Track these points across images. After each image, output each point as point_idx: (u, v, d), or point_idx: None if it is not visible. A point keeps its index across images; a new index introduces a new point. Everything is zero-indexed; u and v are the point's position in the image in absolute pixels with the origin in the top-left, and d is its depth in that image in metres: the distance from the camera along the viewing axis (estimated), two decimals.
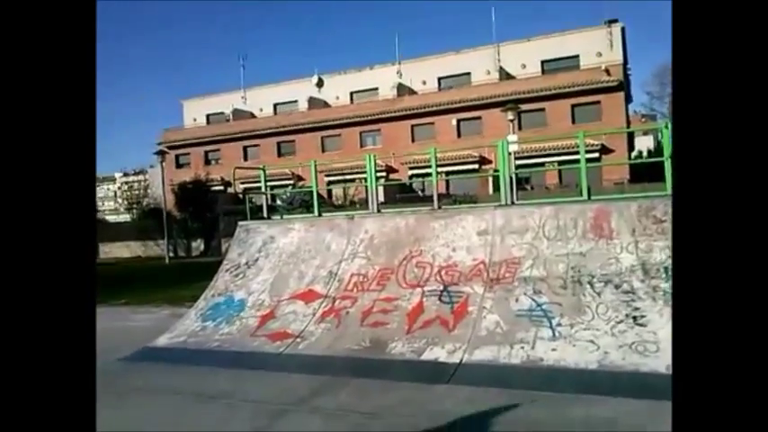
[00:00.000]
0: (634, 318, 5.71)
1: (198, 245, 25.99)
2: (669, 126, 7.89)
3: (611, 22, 33.56)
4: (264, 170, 10.95)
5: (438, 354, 6.10)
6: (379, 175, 27.73)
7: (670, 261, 6.13)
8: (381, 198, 22.90)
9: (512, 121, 20.52)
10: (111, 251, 30.62)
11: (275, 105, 43.47)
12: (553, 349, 5.67)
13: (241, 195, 18.29)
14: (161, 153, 25.87)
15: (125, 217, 41.98)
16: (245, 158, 39.18)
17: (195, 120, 45.90)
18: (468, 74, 37.00)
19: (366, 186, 9.74)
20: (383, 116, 35.86)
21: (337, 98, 40.97)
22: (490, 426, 4.42)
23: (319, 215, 9.71)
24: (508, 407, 4.75)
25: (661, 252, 6.28)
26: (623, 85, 31.75)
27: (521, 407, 4.74)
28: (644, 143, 43.89)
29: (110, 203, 78.47)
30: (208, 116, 45.73)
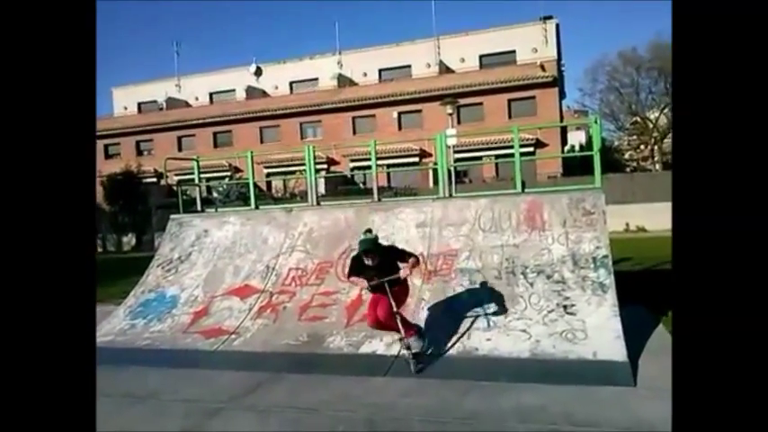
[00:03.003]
0: (564, 307, 5.93)
1: (129, 239, 24.85)
2: (598, 121, 8.21)
3: (547, 18, 34.62)
4: (198, 161, 10.57)
5: (376, 346, 6.10)
6: (319, 167, 27.49)
7: (598, 251, 6.41)
8: (322, 190, 22.69)
9: (450, 114, 20.80)
10: None
11: (211, 94, 42.11)
12: (488, 339, 5.80)
13: (175, 187, 17.57)
14: None
15: None
16: (180, 149, 37.75)
17: (126, 108, 43.78)
18: (409, 66, 37.21)
19: (306, 178, 9.58)
20: (324, 107, 35.47)
21: (276, 88, 40.17)
22: (426, 417, 4.46)
23: (256, 208, 9.47)
24: (442, 398, 4.82)
25: (590, 243, 6.55)
26: (557, 81, 32.88)
27: (455, 397, 4.82)
28: (576, 138, 45.77)
29: None
30: (140, 104, 43.73)
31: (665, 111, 38.45)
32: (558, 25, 34.96)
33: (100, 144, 37.21)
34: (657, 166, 38.12)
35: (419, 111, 33.44)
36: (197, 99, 41.96)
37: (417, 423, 4.35)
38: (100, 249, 23.28)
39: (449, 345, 5.87)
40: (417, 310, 6.52)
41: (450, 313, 6.32)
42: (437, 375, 5.31)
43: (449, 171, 8.79)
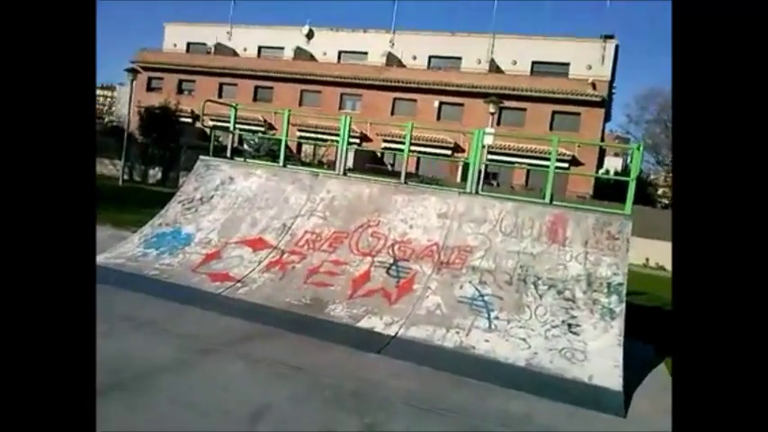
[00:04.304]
0: (569, 325, 5.87)
1: (155, 173, 25.16)
2: (641, 149, 8.04)
3: (608, 37, 33.83)
4: (236, 108, 10.61)
5: (375, 323, 6.13)
6: (352, 140, 27.40)
7: (615, 278, 6.31)
8: (350, 164, 22.69)
9: (492, 114, 20.55)
10: None
11: (260, 48, 42.13)
12: (486, 340, 5.78)
13: (208, 131, 17.68)
14: (132, 71, 24.60)
15: None
16: (220, 95, 37.95)
17: (175, 45, 44.05)
18: (460, 58, 36.74)
19: (337, 147, 9.58)
20: (367, 82, 35.31)
21: (325, 54, 40.02)
22: (410, 402, 4.47)
23: (284, 166, 9.50)
24: (430, 387, 4.83)
25: (608, 268, 6.44)
26: (605, 102, 32.27)
27: (443, 388, 4.83)
28: (612, 164, 44.98)
29: None
30: (189, 44, 43.95)
31: None
32: (617, 46, 34.17)
33: (144, 76, 37.55)
34: None
35: (461, 104, 33.12)
36: (245, 50, 42.04)
37: (401, 405, 4.37)
38: (126, 177, 23.63)
39: (446, 337, 5.86)
40: (422, 297, 6.52)
41: (454, 307, 6.30)
42: (429, 364, 5.31)
43: (480, 168, 8.71)
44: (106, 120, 39.99)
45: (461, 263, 6.95)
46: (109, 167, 24.53)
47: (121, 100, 38.41)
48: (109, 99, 59.22)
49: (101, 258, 7.59)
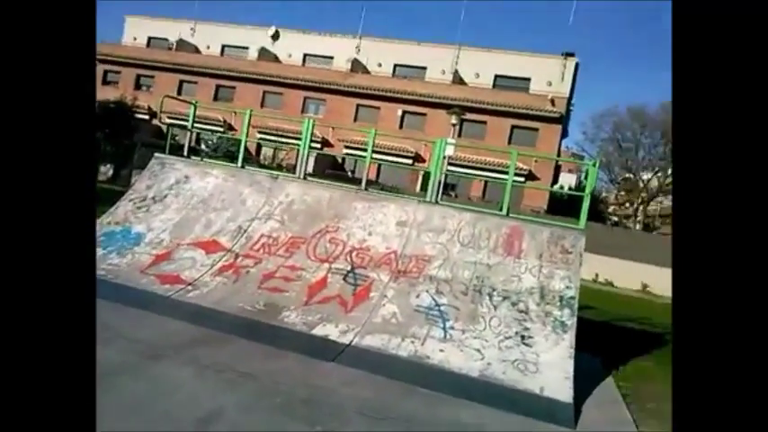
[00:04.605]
0: (522, 337, 5.94)
1: (107, 170, 24.27)
2: (597, 165, 8.27)
3: (569, 55, 34.81)
4: (196, 106, 10.36)
5: (330, 331, 6.04)
6: (313, 145, 27.24)
7: (567, 291, 6.44)
8: (311, 168, 22.50)
9: (454, 125, 20.80)
10: None
11: (224, 47, 41.34)
12: (441, 350, 5.79)
13: (165, 129, 17.20)
14: None
15: None
16: (180, 93, 36.93)
17: (135, 39, 42.76)
18: (425, 68, 37.06)
19: (298, 150, 9.46)
20: (332, 87, 35.17)
21: (290, 56, 39.65)
22: (362, 410, 4.42)
23: (242, 167, 9.31)
24: (383, 395, 4.79)
25: (561, 281, 6.58)
26: (563, 119, 33.16)
27: (396, 397, 4.79)
28: (567, 180, 46.29)
29: None
30: (150, 39, 42.74)
31: (658, 174, 39.05)
32: (577, 64, 35.20)
33: (100, 69, 36.29)
34: (638, 226, 38.72)
35: (424, 114, 33.38)
36: (208, 48, 41.21)
37: (353, 414, 4.31)
38: None
39: (401, 346, 5.84)
40: (378, 305, 6.48)
41: (411, 316, 6.29)
42: (383, 373, 5.27)
43: (440, 179, 8.77)
44: None
45: (419, 272, 6.95)
46: None
47: None
48: None
49: None
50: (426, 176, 26.49)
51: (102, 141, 24.21)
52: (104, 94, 31.00)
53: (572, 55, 34.90)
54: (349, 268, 7.11)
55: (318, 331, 6.04)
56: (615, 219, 43.33)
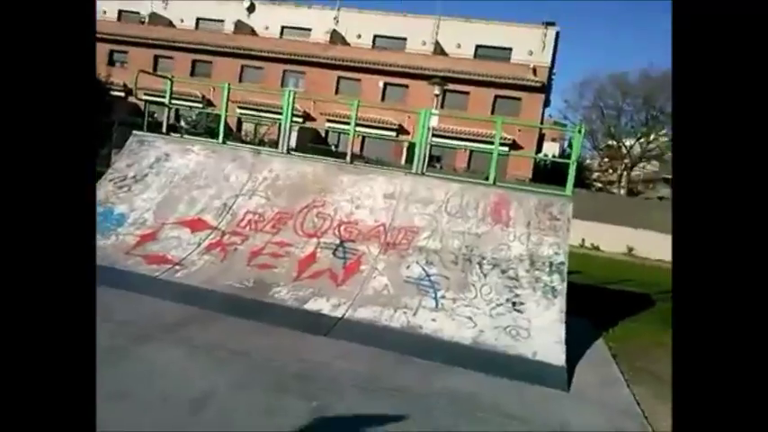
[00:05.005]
0: (513, 303, 5.98)
1: None
2: (582, 132, 8.24)
3: (549, 24, 34.53)
4: (172, 81, 10.07)
5: (322, 305, 6.01)
6: (295, 119, 26.82)
7: (556, 257, 6.47)
8: (293, 143, 22.19)
9: (437, 96, 20.59)
10: None
11: (198, 20, 40.22)
12: (433, 319, 5.80)
13: (142, 106, 16.79)
14: None
15: None
16: (155, 69, 35.98)
17: (105, 12, 41.35)
18: (405, 39, 36.51)
19: (280, 125, 9.28)
20: (311, 60, 34.53)
21: (267, 29, 38.73)
22: (357, 383, 4.42)
23: (223, 143, 9.11)
24: (377, 367, 4.79)
25: (549, 247, 6.60)
26: (545, 88, 33.07)
27: (389, 369, 4.80)
28: (550, 149, 46.39)
29: None
30: (120, 12, 41.38)
31: (641, 140, 39.32)
32: (558, 33, 34.96)
33: None
34: (622, 191, 39.13)
35: (406, 86, 33.05)
36: (182, 21, 40.06)
37: (348, 387, 4.31)
38: None
39: (394, 317, 5.83)
40: (369, 278, 6.45)
41: (402, 287, 6.28)
42: (376, 345, 5.27)
43: (425, 150, 8.68)
44: None
45: (408, 243, 6.92)
46: None
47: None
48: None
49: None
50: (411, 148, 26.38)
51: None
52: None
53: (552, 24, 34.63)
54: (338, 242, 7.05)
55: (310, 306, 6.01)
56: (599, 185, 43.68)
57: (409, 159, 23.53)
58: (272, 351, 4.82)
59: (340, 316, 5.84)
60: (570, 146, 41.94)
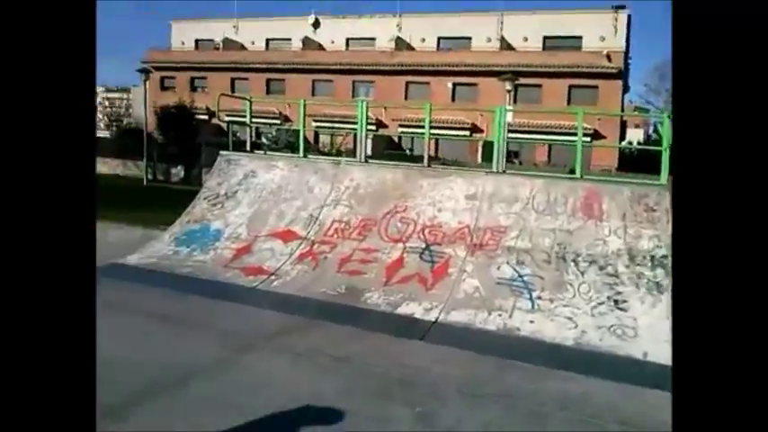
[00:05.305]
0: (615, 301, 5.69)
1: (178, 171, 25.20)
2: (670, 116, 7.75)
3: (619, 7, 32.92)
4: (251, 101, 10.51)
5: (414, 309, 6.02)
6: (368, 127, 27.22)
7: (657, 250, 6.10)
8: (369, 151, 22.49)
9: (509, 91, 20.15)
10: None
11: (268, 40, 41.85)
12: (531, 321, 5.64)
13: (225, 127, 17.64)
14: (145, 71, 24.62)
15: (105, 134, 40.36)
16: (233, 90, 37.79)
17: (183, 43, 44.00)
18: (469, 38, 36.09)
19: (355, 135, 9.43)
20: (379, 68, 34.93)
21: (332, 42, 39.63)
22: (460, 388, 4.36)
23: (305, 156, 9.39)
24: (479, 371, 4.71)
25: (649, 240, 6.23)
26: (622, 74, 31.50)
27: (492, 373, 4.70)
28: (634, 135, 44.10)
29: None
30: (197, 41, 43.85)
31: None
32: (629, 16, 33.25)
33: (156, 75, 37.62)
34: None
35: (475, 84, 32.61)
36: (253, 43, 41.82)
37: (451, 392, 4.26)
38: (150, 177, 23.77)
39: (488, 320, 5.73)
40: (459, 280, 6.39)
41: (493, 289, 6.16)
42: (473, 348, 5.18)
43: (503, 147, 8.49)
44: (125, 122, 39.98)
45: (495, 244, 6.79)
46: (132, 169, 24.70)
47: (137, 101, 38.52)
48: (125, 101, 59.54)
49: (134, 258, 7.59)
50: (486, 146, 25.93)
51: (169, 144, 25.16)
52: (164, 98, 32.16)
53: (623, 7, 32.96)
54: (423, 246, 7.04)
55: (402, 310, 6.03)
56: None
57: (486, 158, 23.13)
58: (371, 356, 4.87)
59: (433, 320, 5.81)
60: (656, 131, 39.56)
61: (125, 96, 65.89)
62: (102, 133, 41.25)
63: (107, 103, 71.10)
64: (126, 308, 5.69)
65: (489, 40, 35.36)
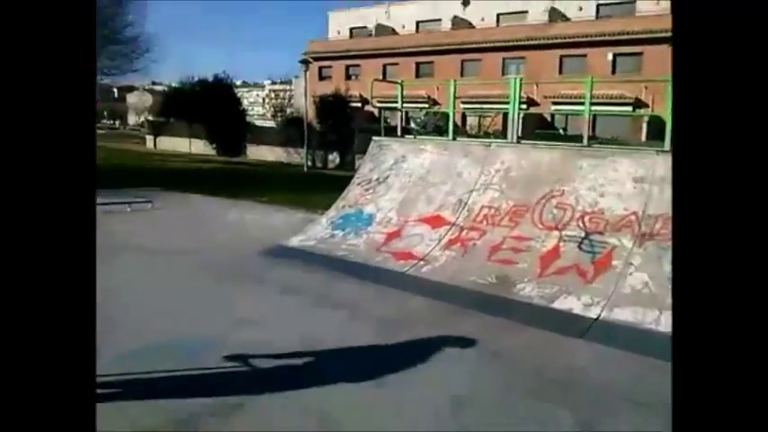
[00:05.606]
0: None
1: (334, 157, 26.79)
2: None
3: None
4: (402, 85, 10.58)
5: (572, 304, 5.60)
6: (520, 105, 26.12)
7: None
8: (519, 131, 21.62)
9: None
10: (258, 153, 32.85)
11: (418, 23, 42.11)
12: None
13: (377, 113, 18.20)
14: (305, 62, 26.40)
15: (271, 123, 44.29)
16: (384, 76, 38.89)
17: (339, 33, 46.11)
18: (633, 2, 32.73)
19: (504, 114, 9.03)
20: (530, 43, 33.29)
21: (483, 19, 38.58)
22: (628, 396, 3.95)
23: (453, 139, 9.23)
24: (649, 378, 4.22)
25: None
26: None
27: (666, 380, 4.17)
28: None
29: (258, 109, 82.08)
30: (351, 29, 45.65)
31: None
32: None
33: (314, 66, 39.98)
34: None
35: (639, 53, 29.55)
36: (404, 27, 42.39)
37: (617, 401, 3.87)
38: (309, 164, 25.52)
39: (660, 320, 5.12)
40: (624, 274, 5.80)
41: (666, 285, 5.48)
42: (642, 351, 4.65)
43: None
44: (288, 111, 43.30)
45: (669, 234, 6.03)
46: (294, 156, 26.74)
47: (298, 91, 41.42)
48: (288, 92, 64.54)
49: (296, 240, 8.14)
50: (652, 123, 23.46)
51: (327, 132, 26.72)
52: (322, 88, 34.14)
53: None
54: (583, 235, 6.52)
55: (559, 305, 5.65)
56: None
57: (653, 136, 20.90)
58: (526, 352, 4.63)
59: (594, 317, 5.35)
60: None
61: (288, 88, 71.25)
62: (269, 123, 45.05)
63: (272, 95, 77.54)
64: (289, 287, 6.17)
65: (657, 1, 31.70)
